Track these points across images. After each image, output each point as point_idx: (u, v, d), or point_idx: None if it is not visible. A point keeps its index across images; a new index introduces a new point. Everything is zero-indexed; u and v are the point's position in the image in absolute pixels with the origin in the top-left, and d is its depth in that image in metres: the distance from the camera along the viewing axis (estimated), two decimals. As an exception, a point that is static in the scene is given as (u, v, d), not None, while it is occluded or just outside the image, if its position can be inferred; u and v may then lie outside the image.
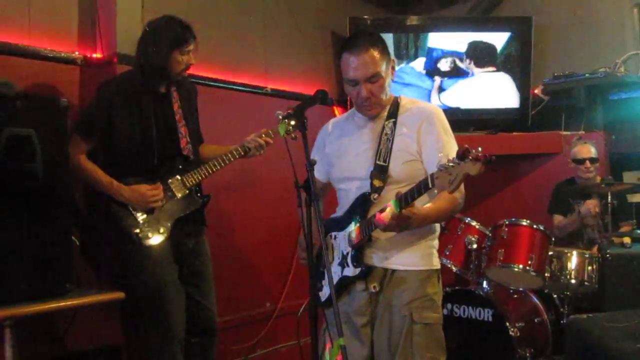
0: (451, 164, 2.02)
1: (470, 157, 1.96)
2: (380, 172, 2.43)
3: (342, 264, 2.49)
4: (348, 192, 2.55)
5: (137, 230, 2.99)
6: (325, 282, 2.54)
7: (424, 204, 2.38)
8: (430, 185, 2.14)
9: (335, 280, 2.46)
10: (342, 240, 2.51)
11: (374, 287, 2.45)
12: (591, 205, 4.36)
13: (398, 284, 2.44)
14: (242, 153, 3.26)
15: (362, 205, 2.44)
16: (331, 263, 2.53)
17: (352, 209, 2.50)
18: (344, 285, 2.50)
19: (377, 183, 2.42)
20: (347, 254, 2.46)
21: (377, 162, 2.44)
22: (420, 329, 2.40)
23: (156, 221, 3.04)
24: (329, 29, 5.21)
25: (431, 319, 2.44)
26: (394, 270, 2.45)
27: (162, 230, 3.05)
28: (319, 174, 2.65)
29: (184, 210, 3.13)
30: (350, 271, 2.45)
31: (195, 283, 3.23)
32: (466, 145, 2.00)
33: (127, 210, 2.99)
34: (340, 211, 2.58)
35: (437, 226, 2.57)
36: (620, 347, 2.61)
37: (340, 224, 2.53)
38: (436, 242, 2.57)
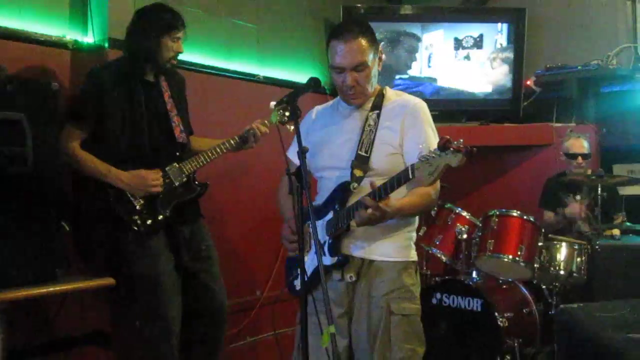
0: (432, 155, 2.03)
1: (451, 149, 1.96)
2: (362, 162, 2.42)
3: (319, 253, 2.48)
4: (327, 181, 2.54)
5: (136, 217, 2.97)
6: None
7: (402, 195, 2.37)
8: (410, 176, 2.14)
9: (311, 269, 2.45)
10: (320, 229, 2.48)
11: (351, 277, 2.43)
12: (575, 209, 4.38)
13: (376, 274, 2.44)
14: (240, 142, 3.25)
15: (341, 194, 2.43)
16: (308, 252, 2.52)
17: (331, 198, 2.49)
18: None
19: (357, 173, 2.40)
20: (325, 242, 2.44)
21: (359, 152, 2.43)
22: (399, 320, 2.40)
23: (154, 208, 3.02)
24: (322, 17, 5.19)
25: (409, 310, 2.43)
26: (371, 261, 2.44)
27: (160, 217, 3.03)
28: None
29: (182, 197, 3.11)
30: (327, 260, 2.42)
31: (205, 268, 3.22)
32: (448, 137, 1.99)
33: (124, 197, 2.97)
34: (319, 200, 2.56)
35: (416, 218, 2.56)
36: (611, 336, 2.62)
37: (319, 213, 2.50)
38: (414, 235, 2.55)
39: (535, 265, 4.05)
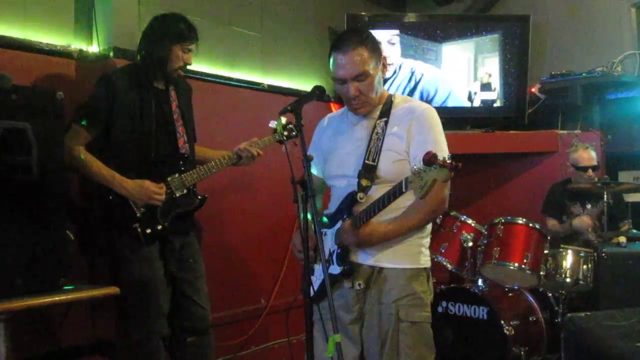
0: (422, 169, 2.04)
1: (436, 164, 1.97)
2: (369, 171, 2.41)
3: (329, 262, 2.47)
4: (338, 190, 2.55)
5: (136, 225, 2.97)
6: (314, 278, 2.52)
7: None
8: (404, 190, 2.15)
9: (321, 278, 2.45)
10: (330, 238, 2.50)
11: (359, 284, 2.43)
12: (585, 223, 4.37)
13: (385, 281, 2.43)
14: (236, 160, 3.27)
15: (348, 204, 2.44)
16: (319, 261, 2.51)
17: (340, 208, 2.49)
18: (331, 283, 2.47)
19: (364, 182, 2.41)
20: (333, 252, 2.45)
21: (366, 161, 2.43)
22: (407, 328, 2.39)
23: (154, 217, 3.02)
24: (326, 25, 5.20)
25: (419, 317, 2.42)
26: (381, 268, 2.44)
27: (159, 227, 3.03)
28: (316, 169, 2.66)
29: (181, 209, 3.12)
30: (335, 269, 2.43)
31: (189, 280, 3.21)
32: (432, 152, 2.00)
33: (126, 204, 2.97)
34: (331, 208, 2.57)
35: (429, 225, 2.54)
36: (619, 346, 2.60)
37: (329, 222, 2.52)
38: (426, 241, 2.53)
39: (541, 273, 4.04)
